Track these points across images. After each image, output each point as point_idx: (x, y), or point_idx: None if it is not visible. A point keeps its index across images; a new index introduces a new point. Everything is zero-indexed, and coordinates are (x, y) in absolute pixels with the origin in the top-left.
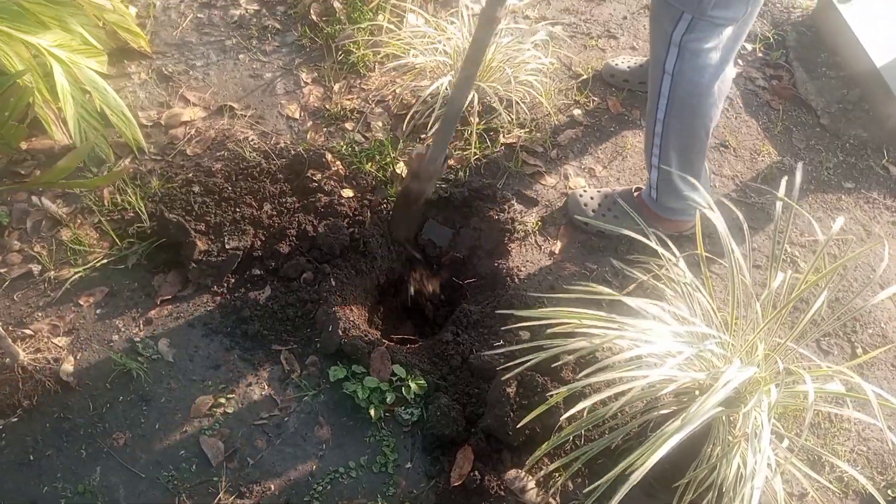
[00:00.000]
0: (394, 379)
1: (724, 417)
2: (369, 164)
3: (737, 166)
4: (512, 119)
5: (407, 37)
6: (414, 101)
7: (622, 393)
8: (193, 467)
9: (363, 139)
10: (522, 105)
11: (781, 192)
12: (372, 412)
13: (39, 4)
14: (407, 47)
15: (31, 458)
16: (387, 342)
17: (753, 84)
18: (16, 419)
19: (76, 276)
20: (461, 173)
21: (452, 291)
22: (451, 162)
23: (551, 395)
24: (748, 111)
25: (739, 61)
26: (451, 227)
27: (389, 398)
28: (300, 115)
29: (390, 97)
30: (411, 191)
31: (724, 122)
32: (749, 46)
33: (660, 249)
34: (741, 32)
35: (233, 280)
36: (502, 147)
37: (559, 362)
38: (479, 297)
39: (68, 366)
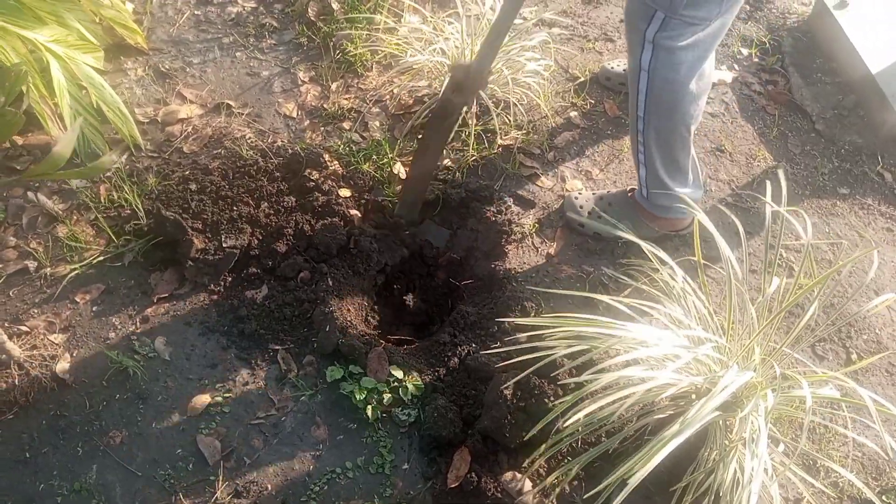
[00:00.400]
0: (391, 380)
1: (721, 422)
2: (367, 163)
3: (732, 171)
4: (509, 121)
5: (405, 36)
6: (411, 102)
7: (622, 399)
8: (190, 466)
9: (361, 139)
10: (520, 107)
11: (769, 196)
12: (369, 413)
13: (40, 0)
14: (405, 47)
15: (28, 455)
16: (384, 343)
17: (749, 89)
18: (12, 416)
19: (72, 273)
20: (458, 174)
21: (449, 292)
22: (447, 162)
23: (549, 400)
24: (744, 116)
25: (735, 66)
26: (448, 228)
27: (386, 399)
28: (297, 114)
29: (388, 97)
30: (452, 104)
31: (719, 126)
32: (745, 51)
33: (653, 252)
34: (720, 31)
35: (230, 279)
36: (499, 148)
37: (558, 370)
38: (476, 298)
39: (64, 363)
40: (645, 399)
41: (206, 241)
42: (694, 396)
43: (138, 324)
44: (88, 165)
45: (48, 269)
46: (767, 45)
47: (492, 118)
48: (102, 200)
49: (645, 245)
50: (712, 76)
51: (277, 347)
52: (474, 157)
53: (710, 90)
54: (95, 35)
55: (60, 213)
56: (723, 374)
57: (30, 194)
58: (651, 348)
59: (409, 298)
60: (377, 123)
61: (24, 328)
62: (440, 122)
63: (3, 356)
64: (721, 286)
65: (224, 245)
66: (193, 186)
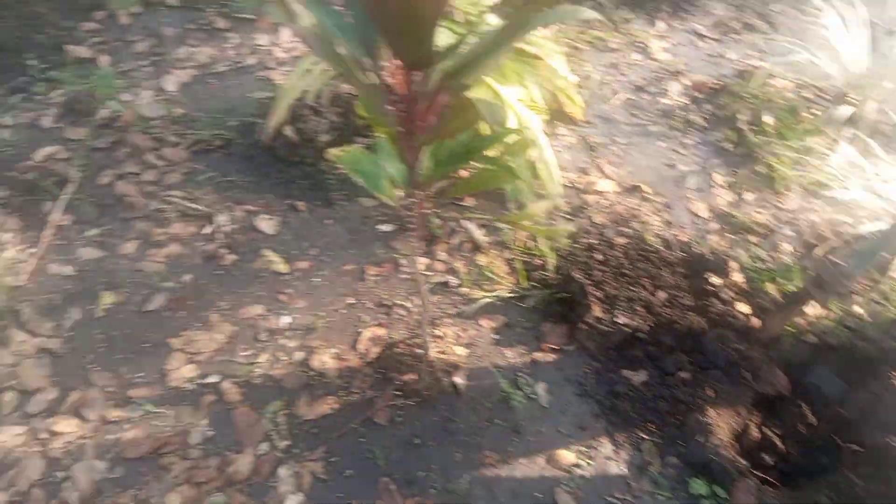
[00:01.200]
0: None
1: None
2: (770, 284)
3: None
4: None
5: (839, 166)
6: (831, 236)
7: None
8: None
9: (767, 258)
10: None
11: None
12: None
13: (511, 60)
14: (838, 178)
15: (417, 441)
16: (754, 476)
17: None
18: (413, 403)
19: (484, 299)
20: (871, 328)
21: (826, 449)
22: (858, 310)
23: None
24: None
25: None
26: (844, 380)
27: None
28: (706, 215)
29: (804, 223)
30: (809, 298)
31: None
32: None
33: None
34: None
35: (613, 353)
36: None
37: None
38: (860, 469)
39: (462, 375)
40: None
41: (603, 311)
42: None
43: (527, 363)
44: (552, 228)
45: (465, 288)
46: None
47: None
48: (519, 245)
49: None
50: None
51: (644, 437)
52: (895, 315)
53: None
54: (544, 99)
55: (485, 244)
56: None
57: (463, 222)
58: None
59: (782, 438)
60: (787, 247)
61: (437, 332)
62: (790, 306)
63: (420, 350)
64: None
65: (617, 320)
66: (599, 256)
